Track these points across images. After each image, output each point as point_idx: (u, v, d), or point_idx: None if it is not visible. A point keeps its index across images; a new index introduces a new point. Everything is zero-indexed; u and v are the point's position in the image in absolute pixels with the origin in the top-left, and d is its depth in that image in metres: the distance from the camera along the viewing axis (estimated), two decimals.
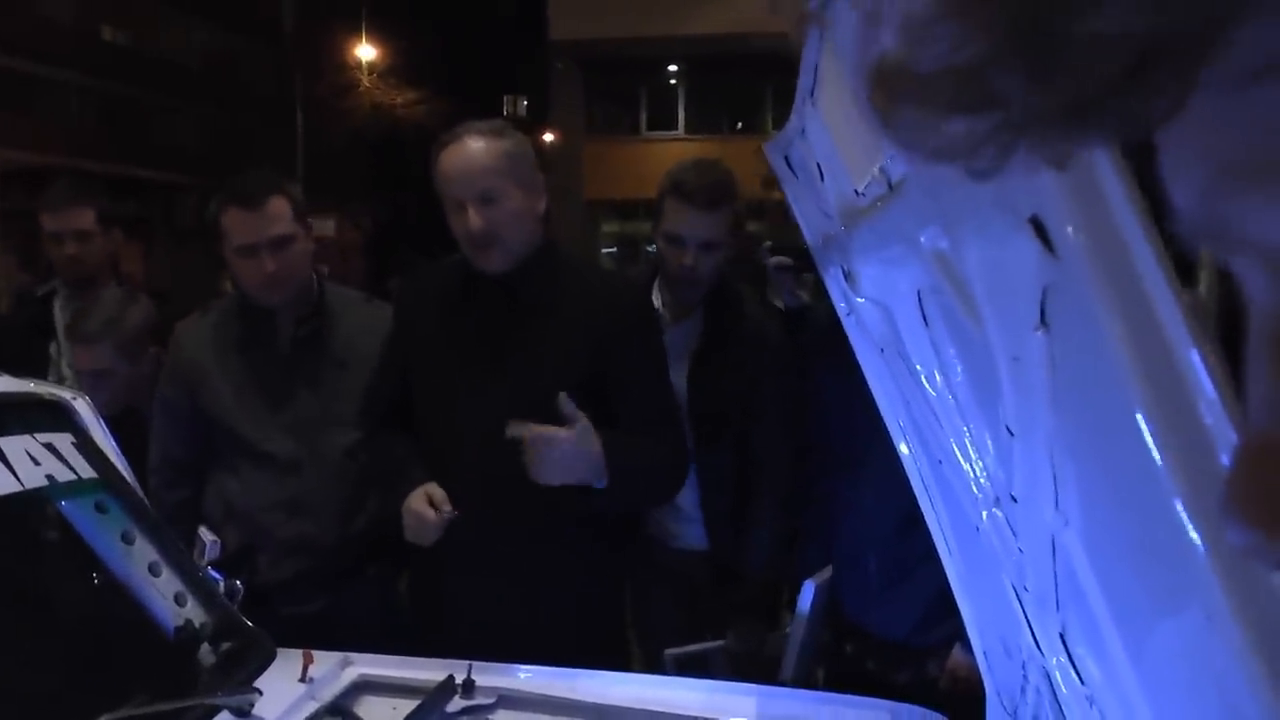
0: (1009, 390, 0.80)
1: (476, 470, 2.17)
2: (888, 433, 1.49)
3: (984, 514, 1.06)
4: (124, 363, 2.80)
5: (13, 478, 1.67)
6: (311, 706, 1.75)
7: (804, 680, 2.35)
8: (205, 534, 1.98)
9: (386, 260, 6.87)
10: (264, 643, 1.89)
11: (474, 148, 2.21)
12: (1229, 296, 0.30)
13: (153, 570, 1.85)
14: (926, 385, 1.13)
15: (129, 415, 2.67)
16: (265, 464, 2.54)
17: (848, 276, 1.35)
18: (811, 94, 1.25)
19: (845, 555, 2.49)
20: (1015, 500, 0.90)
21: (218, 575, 1.93)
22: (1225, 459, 0.54)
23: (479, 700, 1.78)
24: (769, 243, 2.88)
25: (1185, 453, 0.57)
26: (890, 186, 0.99)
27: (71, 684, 1.64)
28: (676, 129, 20.93)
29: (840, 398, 2.21)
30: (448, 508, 2.12)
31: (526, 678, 1.86)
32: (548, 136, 20.75)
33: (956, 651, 2.30)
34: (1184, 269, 0.57)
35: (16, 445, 1.73)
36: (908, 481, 1.49)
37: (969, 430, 1.02)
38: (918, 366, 1.13)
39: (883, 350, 1.33)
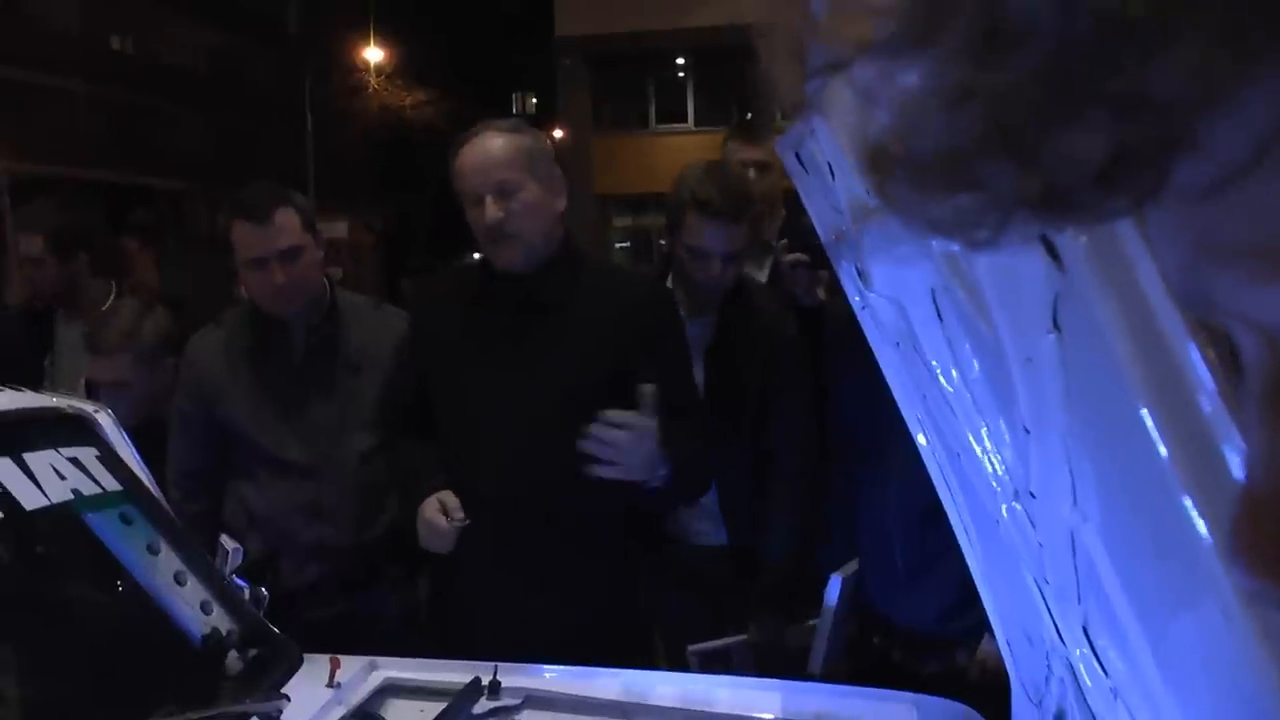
0: (1023, 390, 0.80)
1: (501, 472, 2.18)
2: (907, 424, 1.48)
3: (1003, 507, 1.06)
4: (142, 374, 2.82)
5: (39, 493, 1.69)
6: (339, 711, 1.76)
7: (832, 674, 2.36)
8: (227, 542, 2.00)
9: (401, 261, 6.90)
10: (291, 649, 1.90)
11: (492, 143, 2.22)
12: None
13: (178, 579, 1.87)
14: (942, 380, 1.13)
15: (150, 425, 2.69)
16: (284, 471, 2.56)
17: (860, 273, 1.35)
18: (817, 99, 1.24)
19: (870, 547, 2.49)
20: (1033, 496, 0.90)
21: (242, 582, 1.95)
22: (1226, 456, 0.54)
23: (505, 701, 1.79)
24: (784, 240, 2.87)
25: (1190, 448, 0.58)
26: None
27: (101, 695, 1.65)
28: (686, 121, 20.88)
29: (861, 389, 2.21)
30: (460, 515, 2.13)
31: (552, 677, 1.87)
32: (557, 133, 20.74)
33: (985, 641, 2.29)
34: None
35: (42, 460, 1.75)
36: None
37: (986, 425, 1.02)
38: (933, 362, 1.13)
39: (898, 344, 1.33)
